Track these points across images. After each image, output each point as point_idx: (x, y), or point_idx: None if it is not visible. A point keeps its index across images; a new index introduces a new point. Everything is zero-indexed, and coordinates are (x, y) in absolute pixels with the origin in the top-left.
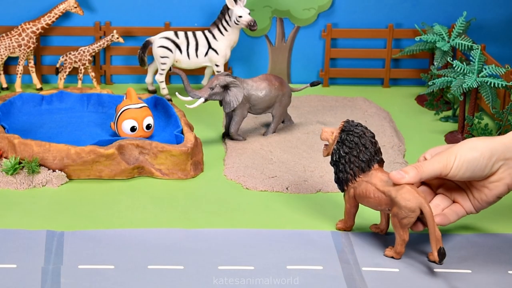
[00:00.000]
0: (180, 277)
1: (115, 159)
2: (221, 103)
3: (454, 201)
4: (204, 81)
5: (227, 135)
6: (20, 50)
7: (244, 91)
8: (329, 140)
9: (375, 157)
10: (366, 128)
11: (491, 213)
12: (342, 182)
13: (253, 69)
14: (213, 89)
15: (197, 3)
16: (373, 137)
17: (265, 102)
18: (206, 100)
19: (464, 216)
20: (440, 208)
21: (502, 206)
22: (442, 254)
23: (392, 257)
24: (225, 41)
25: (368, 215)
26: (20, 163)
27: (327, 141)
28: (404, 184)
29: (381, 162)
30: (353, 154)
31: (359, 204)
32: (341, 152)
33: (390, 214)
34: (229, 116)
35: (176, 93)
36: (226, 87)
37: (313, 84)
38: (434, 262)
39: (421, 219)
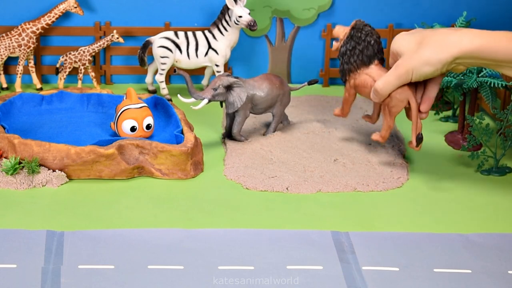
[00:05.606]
0: (180, 277)
1: (115, 159)
2: (221, 104)
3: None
4: (204, 81)
5: (228, 136)
6: (20, 50)
7: (247, 91)
8: (340, 36)
9: (377, 55)
10: (373, 29)
11: (491, 213)
12: (345, 72)
13: (253, 69)
14: (216, 89)
15: (197, 3)
16: (379, 37)
17: (267, 102)
18: (209, 101)
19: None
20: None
21: (502, 206)
22: (419, 138)
23: (377, 141)
24: (225, 41)
25: (369, 217)
26: (20, 163)
27: (338, 37)
28: None
29: (381, 60)
30: (359, 48)
31: (355, 100)
32: (348, 45)
33: (382, 104)
34: (230, 117)
35: (178, 95)
36: (229, 88)
37: (310, 83)
38: (412, 148)
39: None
